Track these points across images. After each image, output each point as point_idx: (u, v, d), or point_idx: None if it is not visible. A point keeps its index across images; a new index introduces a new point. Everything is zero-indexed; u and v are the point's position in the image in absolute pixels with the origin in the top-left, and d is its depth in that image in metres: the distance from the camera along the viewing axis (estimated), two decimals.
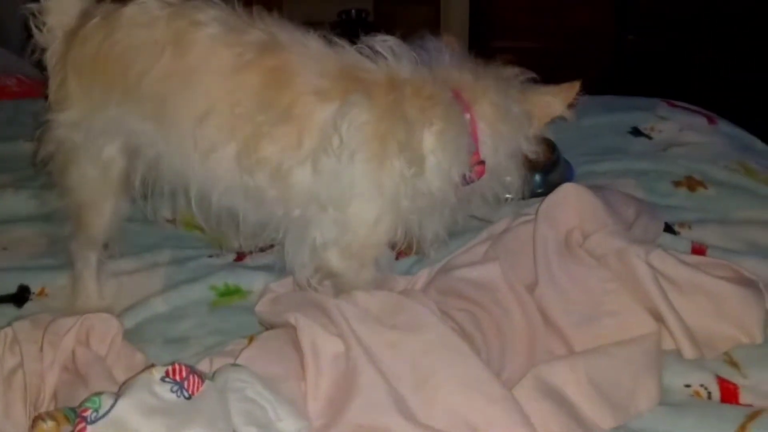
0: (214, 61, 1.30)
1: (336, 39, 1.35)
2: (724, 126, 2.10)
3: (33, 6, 1.43)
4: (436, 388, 1.19)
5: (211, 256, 1.65)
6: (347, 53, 1.33)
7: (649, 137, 2.02)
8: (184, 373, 1.04)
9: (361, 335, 1.25)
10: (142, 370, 1.09)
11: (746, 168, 1.89)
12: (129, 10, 1.35)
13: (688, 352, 1.30)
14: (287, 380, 1.20)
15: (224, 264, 1.63)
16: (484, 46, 3.92)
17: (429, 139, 1.30)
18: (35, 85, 2.44)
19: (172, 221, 1.72)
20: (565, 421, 1.18)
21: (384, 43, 1.34)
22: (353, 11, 4.26)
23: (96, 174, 1.44)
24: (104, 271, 1.57)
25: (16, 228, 1.72)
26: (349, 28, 4.18)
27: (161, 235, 1.71)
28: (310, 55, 1.32)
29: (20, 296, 1.54)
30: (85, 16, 1.40)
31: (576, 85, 1.37)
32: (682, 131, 2.03)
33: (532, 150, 1.38)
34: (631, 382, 1.25)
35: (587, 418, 1.21)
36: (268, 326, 1.40)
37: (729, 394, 1.28)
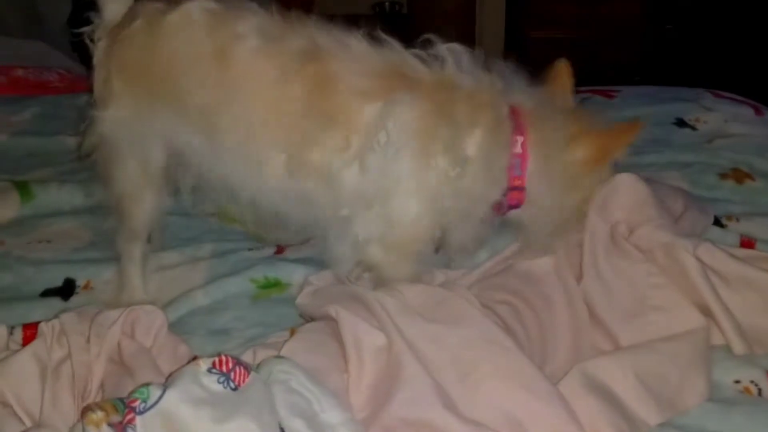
0: (257, 73, 1.32)
1: (384, 37, 1.34)
2: None
3: None
4: (478, 382, 1.18)
5: (251, 249, 1.65)
6: (394, 53, 1.33)
7: (693, 128, 1.98)
8: (230, 365, 1.04)
9: (403, 329, 1.24)
10: (189, 362, 1.09)
11: None
12: (171, 18, 1.36)
13: (738, 347, 1.27)
14: (330, 372, 1.19)
15: (264, 257, 1.63)
16: (520, 35, 3.89)
17: (471, 146, 1.29)
18: (76, 79, 2.48)
19: (213, 214, 1.73)
20: (612, 418, 1.16)
21: (443, 48, 1.33)
22: (387, 3, 4.26)
23: (137, 169, 1.47)
24: (148, 266, 1.59)
25: (61, 221, 1.74)
26: (383, 20, 4.22)
27: (202, 229, 1.73)
28: (352, 57, 1.31)
29: (67, 289, 1.56)
30: (129, 14, 1.42)
31: (637, 127, 1.36)
32: (728, 122, 1.98)
33: (577, 199, 1.38)
34: (678, 378, 1.23)
35: (634, 414, 1.20)
36: (309, 319, 1.40)
37: None
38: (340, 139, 1.29)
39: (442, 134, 1.27)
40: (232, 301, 1.52)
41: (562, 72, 1.42)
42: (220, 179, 1.42)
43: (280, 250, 1.66)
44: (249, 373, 1.06)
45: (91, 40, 1.44)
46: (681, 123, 2.00)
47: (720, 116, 2.00)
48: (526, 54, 3.66)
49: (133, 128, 1.42)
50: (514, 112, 1.33)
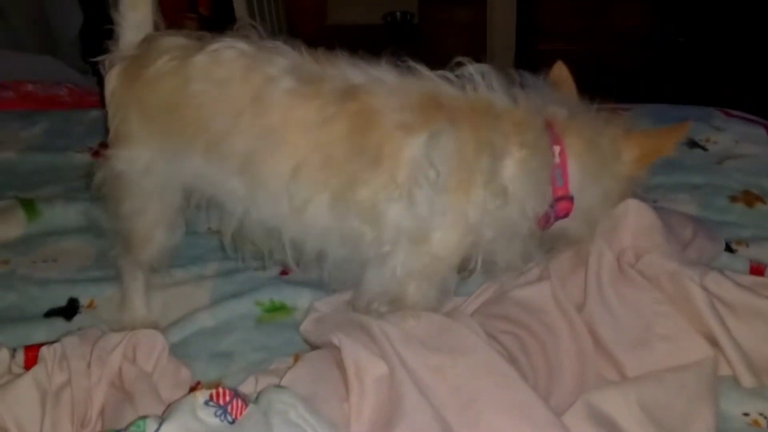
0: (296, 116, 1.29)
1: (413, 64, 1.33)
2: None
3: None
4: (480, 414, 1.17)
5: (256, 269, 1.65)
6: (426, 80, 1.31)
7: (704, 149, 1.95)
8: (227, 397, 1.04)
9: (406, 358, 1.23)
10: (186, 394, 1.09)
11: None
12: (201, 60, 1.32)
13: (747, 380, 1.25)
14: (330, 401, 1.19)
15: (269, 278, 1.62)
16: (531, 49, 3.87)
17: (511, 167, 1.28)
18: (86, 94, 2.49)
19: (218, 232, 1.72)
20: None
21: (472, 69, 1.32)
22: (398, 14, 4.25)
23: (152, 210, 1.44)
24: (151, 284, 1.58)
25: (67, 239, 1.75)
26: (394, 31, 4.21)
27: (207, 247, 1.72)
28: (388, 90, 1.29)
29: (70, 309, 1.56)
30: (147, 46, 1.38)
31: (687, 127, 1.38)
32: (739, 143, 1.95)
33: (626, 192, 1.40)
34: (685, 410, 1.21)
35: None
36: (314, 346, 1.39)
37: None
38: (385, 176, 1.27)
39: (482, 164, 1.26)
40: (237, 323, 1.52)
41: (562, 73, 1.44)
42: (261, 222, 1.39)
43: (285, 270, 1.65)
44: (247, 404, 1.06)
45: (105, 71, 1.41)
46: (692, 143, 1.97)
47: (731, 136, 1.98)
48: (536, 67, 3.64)
49: (153, 171, 1.39)
50: (549, 124, 1.32)
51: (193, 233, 1.69)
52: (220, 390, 1.04)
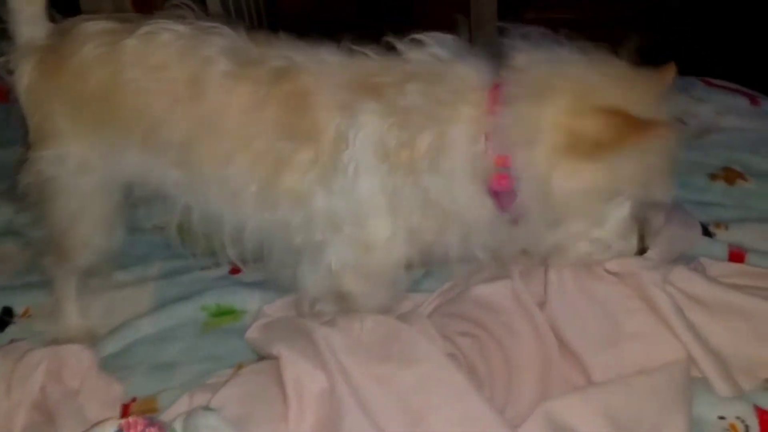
0: (232, 99, 1.21)
1: (358, 49, 1.22)
2: None
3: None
4: (429, 429, 1.07)
5: (203, 269, 1.54)
6: (370, 60, 1.21)
7: (683, 122, 1.83)
8: (139, 428, 0.94)
9: (350, 369, 1.14)
10: (95, 424, 0.99)
11: None
12: (133, 44, 1.22)
13: (722, 388, 1.15)
14: (266, 423, 1.10)
15: (218, 278, 1.52)
16: (514, 16, 3.73)
17: (435, 143, 1.14)
18: None
19: (163, 228, 1.61)
20: None
21: (427, 42, 1.19)
22: None
23: (90, 211, 1.35)
24: (89, 289, 1.48)
25: (1, 243, 1.64)
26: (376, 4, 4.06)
27: (151, 244, 1.61)
28: (327, 71, 1.20)
29: (2, 320, 1.45)
30: (62, 35, 1.27)
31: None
32: (721, 115, 1.83)
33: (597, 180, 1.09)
34: (655, 417, 1.11)
35: None
36: (261, 355, 1.29)
37: None
38: (310, 159, 1.19)
39: (405, 142, 1.15)
40: (180, 331, 1.41)
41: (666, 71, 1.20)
42: (202, 214, 1.31)
43: (236, 269, 1.54)
44: None
45: (8, 72, 1.29)
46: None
47: (712, 108, 1.85)
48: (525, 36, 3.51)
49: (88, 169, 1.29)
50: (494, 89, 1.13)
51: (136, 230, 1.58)
52: (132, 420, 0.95)
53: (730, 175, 1.62)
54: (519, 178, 1.11)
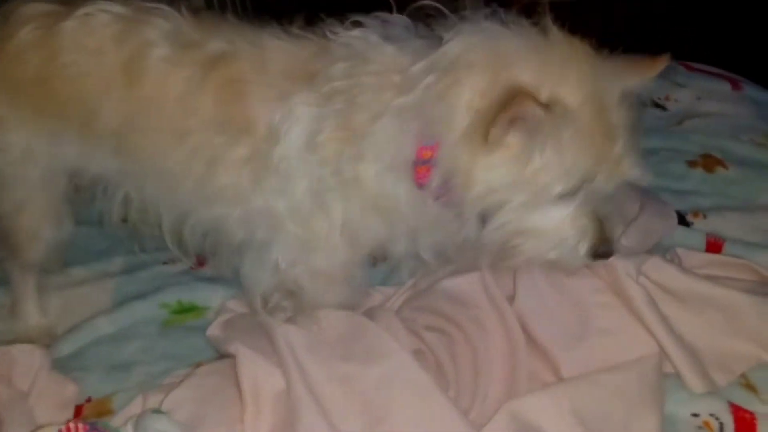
0: (168, 85, 1.14)
1: (302, 33, 1.16)
2: (751, 91, 1.85)
3: None
4: (389, 430, 1.03)
5: (166, 263, 1.49)
6: (311, 44, 1.14)
7: (663, 108, 1.79)
8: None
9: (309, 369, 1.09)
10: (36, 429, 0.94)
11: None
12: (70, 26, 1.16)
13: (695, 384, 1.11)
14: (219, 425, 1.05)
15: (179, 273, 1.47)
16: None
17: (360, 137, 1.07)
18: None
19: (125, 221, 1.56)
20: None
21: (373, 25, 1.11)
22: None
23: (36, 201, 1.29)
24: (48, 286, 1.43)
25: None
26: None
27: (114, 239, 1.55)
28: (267, 57, 1.14)
29: None
30: (2, 20, 1.21)
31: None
32: (701, 99, 1.79)
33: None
34: (624, 415, 1.07)
35: None
36: (220, 353, 1.24)
37: (744, 425, 1.09)
38: (244, 156, 1.13)
39: (333, 135, 1.09)
40: (139, 329, 1.37)
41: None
42: (141, 204, 1.26)
43: (200, 262, 1.49)
44: None
45: None
46: (650, 102, 1.80)
47: (692, 93, 1.81)
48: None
49: (31, 157, 1.24)
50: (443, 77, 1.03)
51: (97, 225, 1.52)
52: (71, 425, 0.91)
53: (709, 162, 1.58)
54: (441, 169, 1.02)
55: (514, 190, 0.98)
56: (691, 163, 1.58)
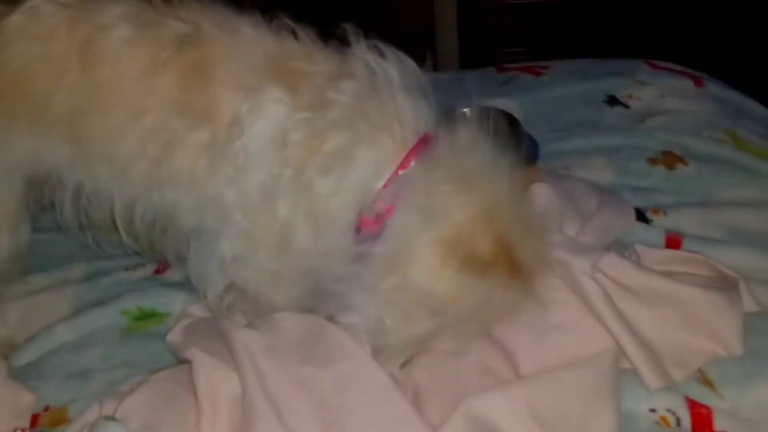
0: (126, 66, 1.12)
1: (290, 24, 1.14)
2: (714, 88, 1.86)
3: None
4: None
5: (128, 269, 1.48)
6: (296, 43, 1.13)
7: (626, 106, 1.79)
8: None
9: (266, 373, 1.08)
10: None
11: (736, 138, 1.66)
12: (16, 19, 1.15)
13: (652, 380, 1.11)
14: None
15: (141, 279, 1.45)
16: (473, 1, 3.66)
17: (338, 156, 1.08)
18: None
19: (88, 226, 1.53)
20: None
21: (384, 50, 1.11)
22: None
23: None
24: (7, 294, 1.41)
25: None
26: None
27: (76, 245, 1.53)
28: (239, 45, 1.12)
29: None
30: None
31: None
32: (664, 97, 1.79)
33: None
34: (581, 411, 1.07)
35: None
36: (178, 359, 1.23)
37: (701, 420, 1.09)
38: (203, 141, 1.12)
39: (309, 142, 1.08)
40: (100, 337, 1.34)
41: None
42: (94, 194, 1.23)
43: (161, 268, 1.48)
44: None
45: None
46: (613, 101, 1.81)
47: (656, 91, 1.82)
48: (482, 21, 3.43)
49: None
50: (420, 142, 1.09)
51: (57, 231, 1.50)
52: None
53: (669, 160, 1.59)
54: (388, 237, 1.06)
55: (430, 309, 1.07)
56: (653, 161, 1.59)
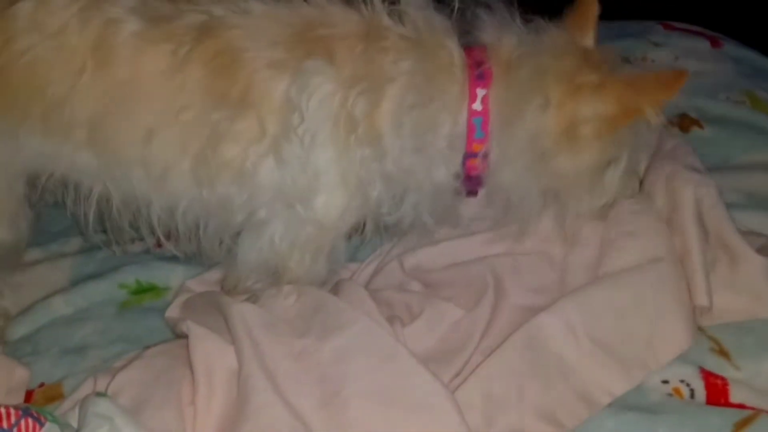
0: (145, 64, 1.07)
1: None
2: (732, 48, 1.78)
3: None
4: (346, 402, 1.00)
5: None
6: (309, 9, 1.09)
7: (639, 69, 1.72)
8: (13, 419, 0.86)
9: (264, 346, 1.05)
10: None
11: (753, 98, 1.59)
12: (26, 8, 1.08)
13: (699, 297, 1.11)
14: (166, 407, 1.01)
15: (138, 253, 1.42)
16: None
17: (392, 109, 1.05)
18: None
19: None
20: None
21: None
22: None
23: None
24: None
25: None
26: None
27: (73, 219, 1.50)
28: (255, 22, 1.07)
29: None
30: None
31: (682, 78, 1.07)
32: (679, 59, 1.72)
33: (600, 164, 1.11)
34: (647, 327, 1.07)
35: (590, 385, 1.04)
36: (177, 334, 1.20)
37: (716, 391, 1.05)
38: (252, 127, 1.06)
39: (358, 107, 1.04)
40: (96, 311, 1.31)
41: (587, 11, 1.15)
42: (123, 200, 1.18)
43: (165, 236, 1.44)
44: (41, 425, 0.87)
45: None
46: (626, 63, 1.73)
47: (670, 52, 1.74)
48: None
49: None
50: (475, 57, 1.08)
51: (53, 205, 1.47)
52: (2, 410, 0.86)
53: (684, 123, 1.52)
54: (503, 162, 1.10)
55: (599, 170, 1.12)
56: (667, 124, 1.53)
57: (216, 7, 1.09)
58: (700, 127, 1.51)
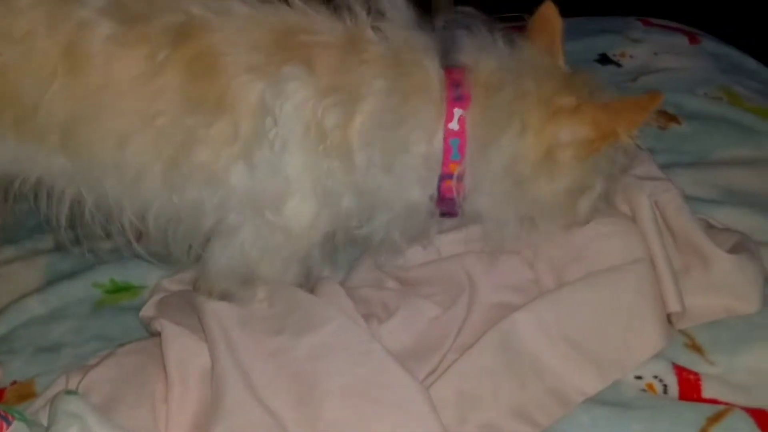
0: (120, 70, 1.04)
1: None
2: (710, 45, 1.80)
3: None
4: (321, 401, 0.99)
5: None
6: (292, 14, 1.07)
7: (618, 65, 1.73)
8: None
9: (238, 345, 1.04)
10: None
11: (731, 94, 1.60)
12: None
13: (675, 304, 1.10)
14: (138, 406, 1.00)
15: (113, 250, 1.40)
16: None
17: (365, 127, 1.04)
18: None
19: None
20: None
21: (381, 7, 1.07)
22: None
23: None
24: None
25: None
26: None
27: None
28: (235, 25, 1.05)
29: None
30: None
31: (656, 101, 1.06)
32: (658, 55, 1.74)
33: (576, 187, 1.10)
34: (622, 329, 1.07)
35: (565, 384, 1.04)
36: (151, 333, 1.19)
37: (689, 387, 1.05)
38: (225, 131, 1.05)
39: (331, 117, 1.03)
40: (71, 310, 1.30)
41: (548, 18, 1.13)
42: (96, 204, 1.16)
43: (137, 239, 1.43)
44: (9, 424, 0.86)
45: None
46: (604, 59, 1.75)
47: (649, 48, 1.76)
48: None
49: None
50: (454, 78, 1.06)
51: (26, 201, 1.45)
52: None
53: (662, 119, 1.53)
54: (479, 185, 1.08)
55: (574, 194, 1.11)
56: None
57: (194, 5, 1.07)
58: (678, 122, 1.52)
